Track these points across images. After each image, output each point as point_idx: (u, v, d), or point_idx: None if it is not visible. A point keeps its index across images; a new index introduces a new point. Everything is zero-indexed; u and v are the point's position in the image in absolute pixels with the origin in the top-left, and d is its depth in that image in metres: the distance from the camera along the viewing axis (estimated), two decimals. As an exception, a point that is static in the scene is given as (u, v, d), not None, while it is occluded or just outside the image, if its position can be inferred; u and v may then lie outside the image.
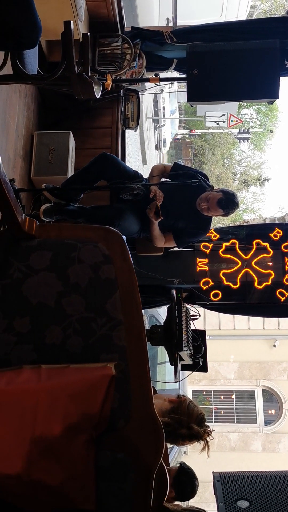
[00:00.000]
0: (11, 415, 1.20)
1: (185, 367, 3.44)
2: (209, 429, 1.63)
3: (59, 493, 1.19)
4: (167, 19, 8.74)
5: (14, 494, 1.17)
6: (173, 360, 3.25)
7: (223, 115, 11.37)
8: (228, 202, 3.24)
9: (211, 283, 3.82)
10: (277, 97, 3.28)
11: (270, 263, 3.85)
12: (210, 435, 1.62)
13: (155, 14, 9.38)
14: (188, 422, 1.61)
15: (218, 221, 16.60)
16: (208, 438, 1.62)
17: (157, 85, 3.73)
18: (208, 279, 3.83)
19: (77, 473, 1.23)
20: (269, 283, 3.78)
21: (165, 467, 1.32)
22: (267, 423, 12.13)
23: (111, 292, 1.37)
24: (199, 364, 3.39)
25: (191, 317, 3.41)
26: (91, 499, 1.22)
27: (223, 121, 11.56)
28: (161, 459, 1.28)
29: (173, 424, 1.60)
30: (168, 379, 5.37)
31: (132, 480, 1.25)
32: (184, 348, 3.14)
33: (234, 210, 3.36)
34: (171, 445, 5.44)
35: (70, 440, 1.20)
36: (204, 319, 10.61)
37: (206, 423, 1.64)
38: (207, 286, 3.81)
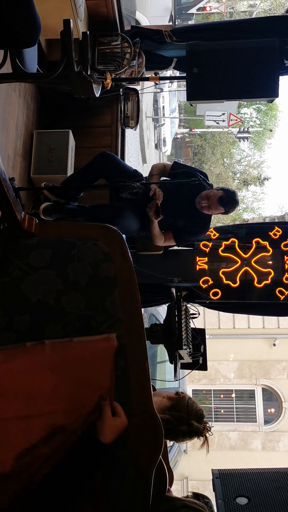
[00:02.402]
0: (16, 393, 1.21)
1: (184, 366, 3.45)
2: (208, 425, 1.63)
3: None
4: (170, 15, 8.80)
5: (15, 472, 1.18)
6: (173, 359, 3.25)
7: (223, 114, 11.35)
8: (229, 199, 3.24)
9: (211, 281, 3.82)
10: (277, 96, 3.28)
11: (270, 262, 3.86)
12: (210, 431, 1.63)
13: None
14: (188, 419, 1.62)
15: (218, 220, 16.62)
16: (207, 434, 1.62)
17: (156, 84, 3.73)
18: (208, 277, 3.84)
19: None
20: (269, 281, 3.79)
21: (164, 464, 1.33)
22: (266, 422, 12.12)
23: (110, 290, 1.37)
24: (199, 362, 3.40)
25: (191, 316, 3.42)
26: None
27: (223, 120, 11.54)
28: (161, 456, 1.29)
29: (172, 421, 1.61)
30: (168, 378, 5.38)
31: (131, 477, 1.25)
32: (184, 347, 3.15)
33: (234, 208, 3.37)
34: (171, 443, 5.44)
35: (76, 420, 1.21)
36: (203, 318, 10.60)
37: (205, 420, 1.65)
38: (206, 285, 3.81)
